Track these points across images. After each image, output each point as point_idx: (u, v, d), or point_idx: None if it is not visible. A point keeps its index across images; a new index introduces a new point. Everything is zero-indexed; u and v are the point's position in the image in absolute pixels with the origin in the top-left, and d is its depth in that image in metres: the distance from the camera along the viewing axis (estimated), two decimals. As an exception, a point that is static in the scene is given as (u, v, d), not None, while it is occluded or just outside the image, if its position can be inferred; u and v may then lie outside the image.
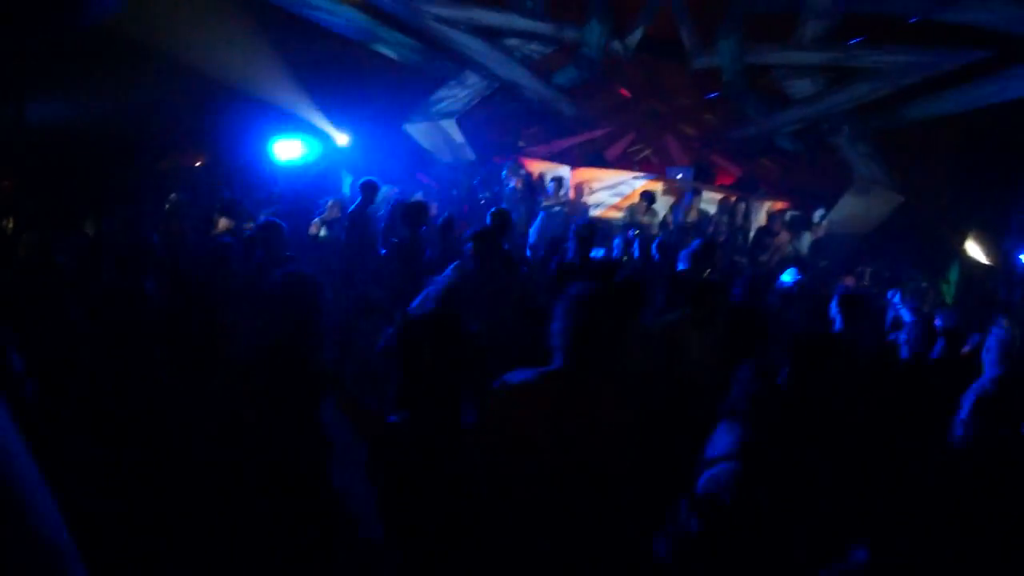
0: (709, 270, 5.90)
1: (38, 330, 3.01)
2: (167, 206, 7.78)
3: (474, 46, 11.41)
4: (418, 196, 10.19)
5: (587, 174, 13.81)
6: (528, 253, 8.85)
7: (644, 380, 3.75)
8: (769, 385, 2.74)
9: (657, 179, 13.54)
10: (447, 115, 12.33)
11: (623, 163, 14.87)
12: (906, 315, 6.00)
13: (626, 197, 13.19)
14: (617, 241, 8.39)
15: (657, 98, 15.28)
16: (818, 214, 11.82)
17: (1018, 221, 10.66)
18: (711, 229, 11.31)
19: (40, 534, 1.13)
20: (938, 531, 2.77)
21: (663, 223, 11.66)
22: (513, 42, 11.81)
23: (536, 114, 13.49)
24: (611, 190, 13.62)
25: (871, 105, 11.19)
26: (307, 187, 11.11)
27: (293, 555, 2.25)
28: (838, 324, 4.37)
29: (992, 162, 11.06)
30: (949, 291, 10.37)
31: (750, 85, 12.07)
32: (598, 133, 15.02)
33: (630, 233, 9.03)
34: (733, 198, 12.21)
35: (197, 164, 12.22)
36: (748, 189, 13.41)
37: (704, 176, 14.04)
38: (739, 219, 11.87)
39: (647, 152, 15.60)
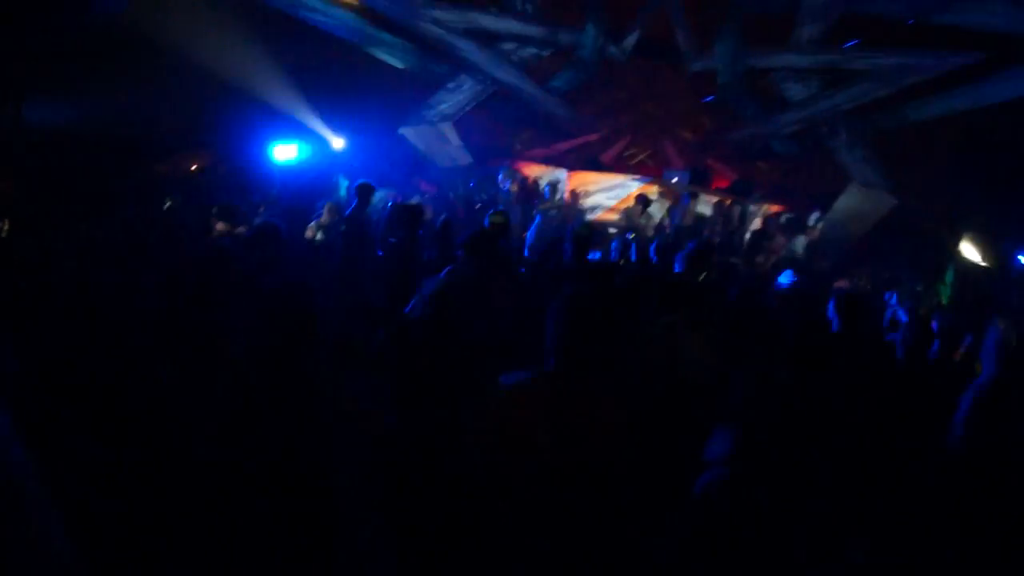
0: (705, 273, 5.90)
1: (37, 330, 3.00)
2: (165, 208, 7.77)
3: (470, 50, 11.41)
4: (415, 199, 10.19)
5: (583, 178, 13.83)
6: (527, 254, 8.86)
7: (641, 381, 3.75)
8: (767, 386, 2.73)
9: (653, 182, 13.56)
10: (443, 119, 12.33)
11: (619, 166, 14.89)
12: (902, 316, 6.02)
13: (622, 200, 13.21)
14: (615, 244, 8.40)
15: (653, 101, 15.31)
16: (814, 217, 11.85)
17: (1016, 222, 10.69)
18: (707, 232, 11.33)
19: (40, 534, 1.12)
20: (938, 531, 2.77)
21: (659, 226, 11.68)
22: (509, 46, 11.82)
23: (532, 117, 13.50)
24: (607, 193, 13.64)
25: (868, 106, 11.22)
26: (304, 190, 11.10)
27: (293, 555, 2.24)
28: (836, 325, 4.37)
29: (989, 163, 11.09)
30: (945, 292, 10.39)
31: (746, 88, 12.10)
32: (594, 137, 15.04)
33: (627, 236, 9.05)
34: (729, 201, 12.23)
35: (194, 168, 12.20)
36: (744, 192, 13.45)
37: (700, 179, 14.06)
38: (735, 222, 11.92)
39: (643, 155, 15.63)
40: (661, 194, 13.08)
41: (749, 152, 14.01)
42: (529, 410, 2.33)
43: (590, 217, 12.98)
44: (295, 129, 12.07)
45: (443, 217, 7.32)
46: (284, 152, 11.72)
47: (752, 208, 12.87)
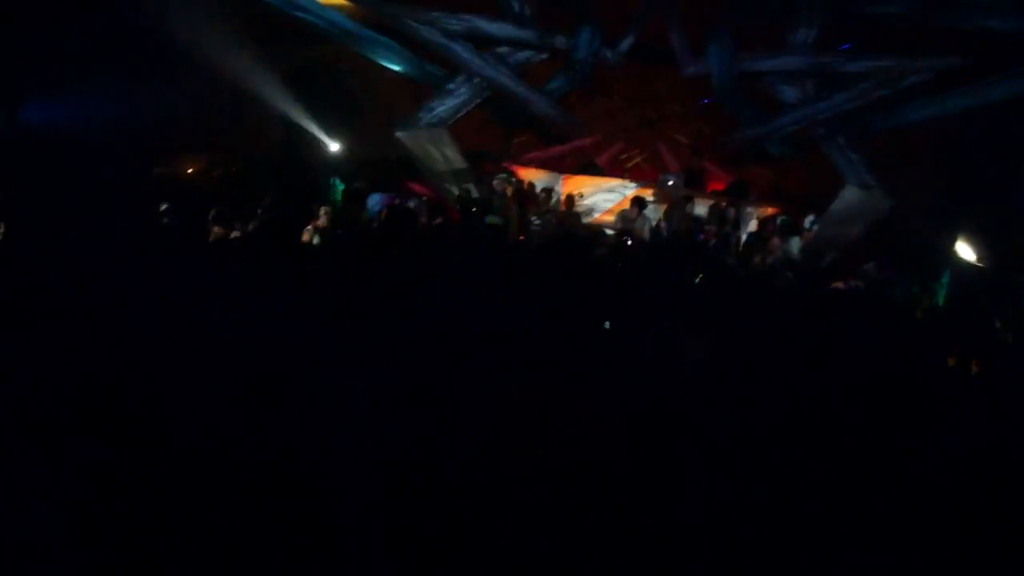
0: (700, 275, 5.91)
1: (36, 330, 2.98)
2: (163, 211, 7.76)
3: (465, 54, 11.42)
4: (411, 204, 10.17)
5: (578, 181, 13.85)
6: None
7: (640, 382, 3.75)
8: (765, 387, 2.74)
9: (648, 186, 13.59)
10: (438, 123, 12.32)
11: (614, 170, 14.92)
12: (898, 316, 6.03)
13: (617, 204, 13.24)
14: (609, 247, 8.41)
15: (648, 105, 15.35)
16: (809, 219, 11.88)
17: (1013, 223, 10.72)
18: (702, 235, 11.36)
19: (40, 534, 1.12)
20: (938, 531, 2.76)
21: (655, 229, 11.70)
22: (504, 50, 11.83)
23: (527, 121, 13.50)
24: (602, 196, 13.68)
25: (864, 108, 11.24)
26: (298, 193, 11.10)
27: (292, 555, 2.23)
28: (833, 326, 4.38)
29: (986, 164, 11.13)
30: (941, 293, 10.41)
31: (741, 91, 12.12)
32: (589, 140, 15.07)
33: (624, 239, 9.06)
34: (724, 204, 12.24)
35: (190, 171, 12.19)
36: (739, 195, 13.49)
37: (695, 182, 14.11)
38: (730, 225, 11.94)
39: (638, 159, 15.67)
40: (657, 197, 13.11)
41: (744, 155, 14.04)
42: (527, 410, 2.33)
43: (586, 220, 13.00)
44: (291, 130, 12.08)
45: (437, 221, 7.31)
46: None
47: (748, 210, 12.91)
